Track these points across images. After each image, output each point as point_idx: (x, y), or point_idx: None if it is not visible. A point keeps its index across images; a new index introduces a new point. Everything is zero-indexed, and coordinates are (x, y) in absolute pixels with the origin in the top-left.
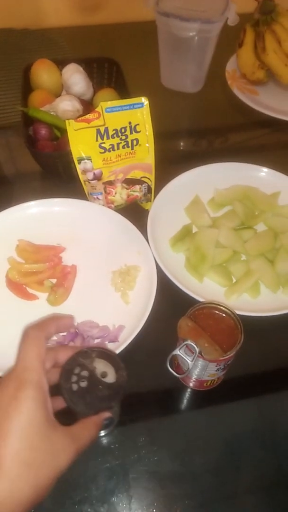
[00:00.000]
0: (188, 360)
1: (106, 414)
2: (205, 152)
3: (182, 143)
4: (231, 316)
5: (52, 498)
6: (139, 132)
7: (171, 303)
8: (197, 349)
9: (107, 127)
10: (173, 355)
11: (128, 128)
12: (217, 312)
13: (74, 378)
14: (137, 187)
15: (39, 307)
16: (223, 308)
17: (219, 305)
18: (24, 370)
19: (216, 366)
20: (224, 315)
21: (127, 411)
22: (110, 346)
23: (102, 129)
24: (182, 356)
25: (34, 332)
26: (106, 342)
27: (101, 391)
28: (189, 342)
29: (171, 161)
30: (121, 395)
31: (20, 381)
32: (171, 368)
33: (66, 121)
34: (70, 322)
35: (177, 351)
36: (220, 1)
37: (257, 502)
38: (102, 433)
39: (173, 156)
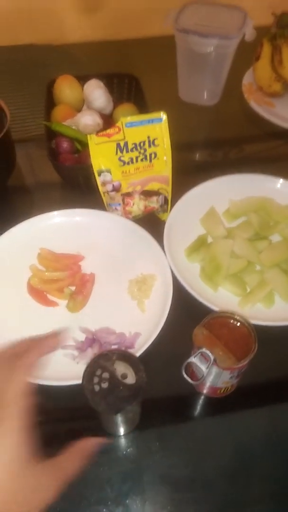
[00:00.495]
0: (203, 367)
1: (94, 441)
2: (221, 163)
3: (198, 155)
4: (245, 326)
5: (68, 498)
6: (157, 146)
7: (186, 312)
8: (211, 357)
9: (126, 141)
10: (188, 363)
11: (146, 142)
12: (231, 321)
13: (96, 380)
14: (154, 198)
15: (59, 314)
16: (237, 318)
17: (233, 314)
18: (10, 402)
19: (230, 374)
20: (238, 324)
21: (142, 417)
22: None
23: (122, 143)
24: (197, 363)
25: (21, 362)
26: (123, 349)
27: (122, 391)
28: (204, 350)
29: (187, 172)
30: (141, 395)
31: (6, 413)
32: (186, 375)
33: (88, 136)
34: (55, 342)
35: (192, 359)
36: (238, 17)
37: (269, 510)
38: (122, 432)
39: (190, 167)
